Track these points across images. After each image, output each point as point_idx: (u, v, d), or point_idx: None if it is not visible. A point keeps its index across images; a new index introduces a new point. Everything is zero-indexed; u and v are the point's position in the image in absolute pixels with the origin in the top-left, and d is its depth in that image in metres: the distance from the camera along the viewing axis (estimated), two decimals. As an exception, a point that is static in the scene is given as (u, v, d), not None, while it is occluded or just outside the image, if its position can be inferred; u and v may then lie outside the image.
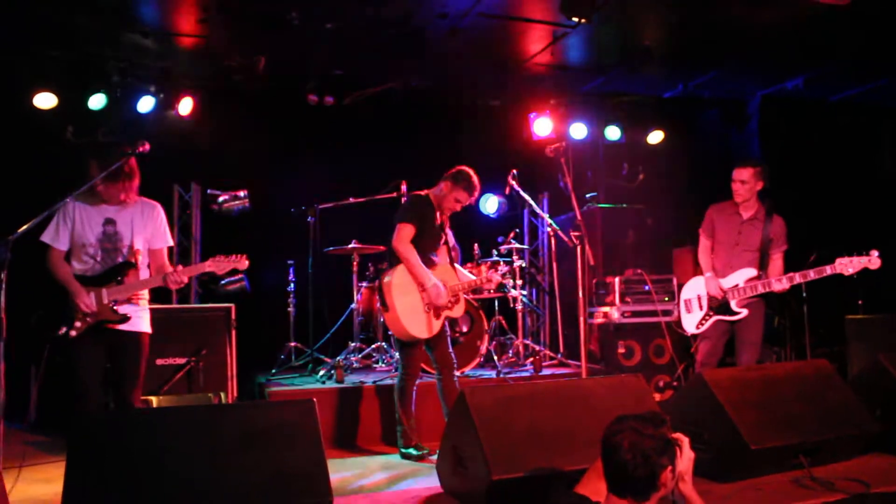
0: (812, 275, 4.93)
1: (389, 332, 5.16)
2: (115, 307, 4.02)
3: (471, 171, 5.03)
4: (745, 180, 5.28)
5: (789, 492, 3.81)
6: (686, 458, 2.71)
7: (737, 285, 5.22)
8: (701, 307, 5.39)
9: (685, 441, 2.72)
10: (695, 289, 5.49)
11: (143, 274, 4.18)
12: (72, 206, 4.04)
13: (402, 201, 6.99)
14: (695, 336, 5.53)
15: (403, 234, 4.82)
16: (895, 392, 4.49)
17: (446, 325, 5.07)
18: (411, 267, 4.81)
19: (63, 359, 3.89)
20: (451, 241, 5.45)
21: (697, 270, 5.66)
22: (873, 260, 4.79)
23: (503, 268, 5.66)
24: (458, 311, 5.06)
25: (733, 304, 5.21)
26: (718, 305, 5.28)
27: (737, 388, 4.22)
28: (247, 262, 4.28)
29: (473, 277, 5.33)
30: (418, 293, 4.85)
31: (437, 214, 5.07)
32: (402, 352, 4.98)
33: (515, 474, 3.42)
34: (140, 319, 4.16)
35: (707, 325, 5.32)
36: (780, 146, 8.72)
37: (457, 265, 5.31)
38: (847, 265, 4.83)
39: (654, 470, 2.48)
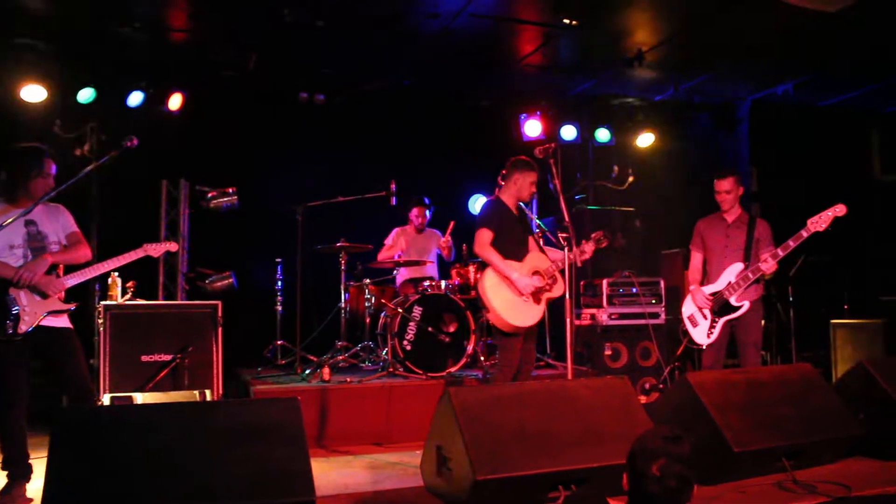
0: (791, 243, 5.05)
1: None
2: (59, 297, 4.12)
3: (523, 156, 5.18)
4: (728, 190, 5.46)
5: (772, 494, 3.83)
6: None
7: (729, 282, 5.30)
8: (705, 317, 5.42)
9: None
10: (693, 303, 5.55)
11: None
12: None
13: (393, 201, 7.00)
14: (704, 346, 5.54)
15: (482, 239, 4.99)
16: (878, 396, 4.51)
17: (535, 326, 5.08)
18: (494, 266, 4.96)
19: None
20: (534, 225, 5.41)
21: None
22: (839, 207, 4.95)
23: (594, 236, 5.35)
24: (558, 290, 5.08)
25: (733, 300, 5.29)
26: (720, 307, 5.33)
27: (721, 391, 4.24)
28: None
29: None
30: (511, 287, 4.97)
31: (515, 211, 5.15)
32: (504, 343, 5.00)
33: (499, 475, 3.42)
34: (64, 317, 4.22)
35: (717, 330, 5.35)
36: (769, 150, 8.78)
37: (545, 247, 5.30)
38: (818, 222, 4.98)
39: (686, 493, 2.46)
